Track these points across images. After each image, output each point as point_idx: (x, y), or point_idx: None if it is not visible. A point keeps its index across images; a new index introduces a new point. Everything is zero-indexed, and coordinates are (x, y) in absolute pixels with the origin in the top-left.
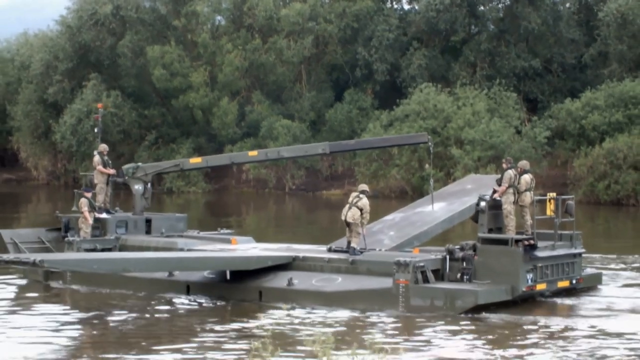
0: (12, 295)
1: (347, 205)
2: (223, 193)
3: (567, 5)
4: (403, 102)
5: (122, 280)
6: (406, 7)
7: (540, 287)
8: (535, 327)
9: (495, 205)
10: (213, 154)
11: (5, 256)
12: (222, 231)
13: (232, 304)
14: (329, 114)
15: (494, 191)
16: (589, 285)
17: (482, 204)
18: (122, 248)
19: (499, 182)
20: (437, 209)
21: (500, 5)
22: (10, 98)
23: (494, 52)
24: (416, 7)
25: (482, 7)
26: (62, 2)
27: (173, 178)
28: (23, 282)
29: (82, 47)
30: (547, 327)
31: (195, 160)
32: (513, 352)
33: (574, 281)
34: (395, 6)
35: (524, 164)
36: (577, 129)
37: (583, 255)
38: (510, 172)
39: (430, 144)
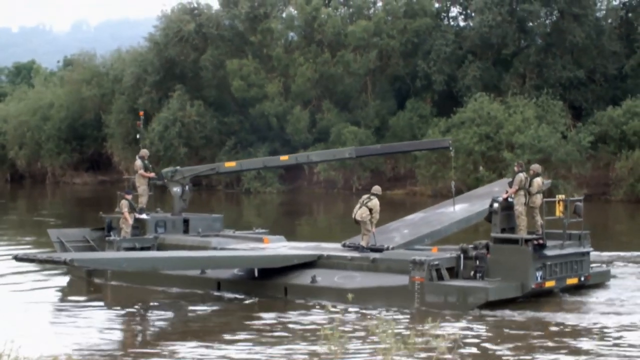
0: (56, 292)
1: (358, 205)
2: (296, 193)
3: (609, 20)
4: (459, 110)
5: (159, 277)
6: (461, 23)
7: (549, 284)
8: (543, 323)
9: (508, 207)
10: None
11: (39, 255)
12: (257, 230)
13: (259, 301)
14: (392, 121)
15: (506, 192)
16: (598, 282)
17: (495, 205)
18: (160, 247)
19: (510, 184)
20: (458, 209)
21: (547, 21)
22: (104, 108)
23: (541, 64)
24: (470, 24)
25: (530, 23)
26: (150, 21)
27: (250, 179)
28: (67, 278)
29: (169, 61)
30: (554, 323)
31: (230, 164)
32: (520, 345)
33: (582, 278)
34: (452, 23)
35: (536, 167)
36: (619, 134)
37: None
38: (521, 175)
39: (451, 148)
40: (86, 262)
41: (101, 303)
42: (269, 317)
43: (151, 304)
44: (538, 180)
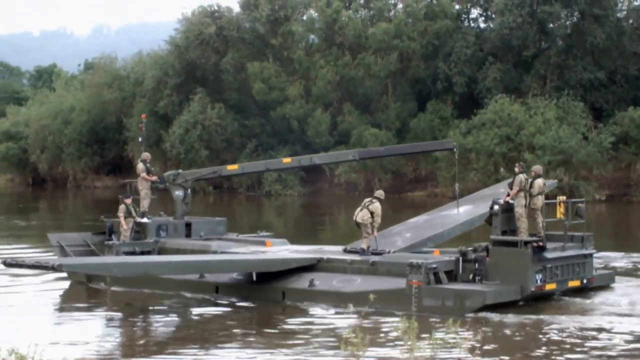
0: (56, 297)
1: (360, 207)
2: (317, 195)
3: (630, 21)
4: (480, 111)
5: (158, 281)
6: (482, 25)
7: (550, 287)
8: (543, 326)
9: (509, 209)
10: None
11: (27, 260)
12: (261, 234)
13: (257, 305)
14: (413, 123)
15: (507, 194)
16: (601, 285)
17: (496, 207)
18: (161, 251)
19: (511, 186)
20: (462, 211)
21: (567, 23)
22: (125, 111)
23: (562, 65)
24: (491, 26)
25: (551, 25)
26: (171, 24)
27: (271, 182)
28: (67, 283)
29: (189, 64)
30: (555, 325)
31: (232, 167)
32: (521, 349)
33: (584, 281)
34: (472, 25)
35: (537, 168)
36: None
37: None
38: (522, 177)
39: (455, 150)
40: (75, 267)
41: (102, 308)
42: (268, 322)
43: (151, 308)
44: (539, 182)
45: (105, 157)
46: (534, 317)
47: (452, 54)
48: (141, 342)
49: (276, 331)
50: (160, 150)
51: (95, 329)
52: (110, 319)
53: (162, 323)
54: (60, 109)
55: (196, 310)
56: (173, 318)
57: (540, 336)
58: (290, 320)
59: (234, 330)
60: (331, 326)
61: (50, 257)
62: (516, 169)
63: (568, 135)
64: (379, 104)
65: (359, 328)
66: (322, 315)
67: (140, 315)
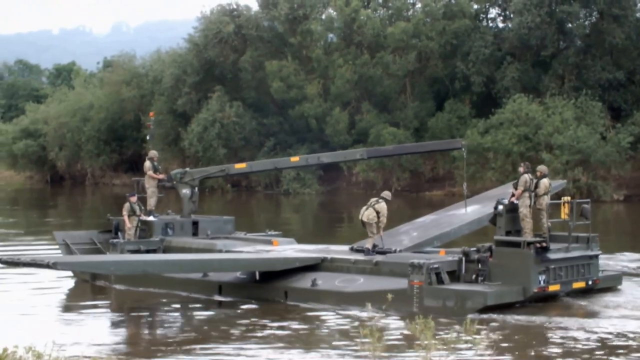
0: (60, 295)
1: (366, 207)
2: (335, 194)
3: None
4: (498, 111)
5: (161, 280)
6: (500, 25)
7: (554, 288)
8: (546, 327)
9: (513, 209)
10: None
11: (23, 258)
12: (269, 232)
13: (260, 305)
14: (431, 122)
15: (512, 195)
16: (608, 286)
17: (500, 207)
18: (166, 249)
19: (515, 186)
20: (470, 211)
21: (586, 22)
22: (144, 109)
23: (580, 65)
24: (509, 25)
25: (569, 25)
26: (190, 23)
27: (289, 180)
28: (72, 282)
29: (208, 63)
30: (558, 327)
31: (240, 166)
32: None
33: (590, 282)
34: (491, 24)
35: (543, 168)
36: None
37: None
38: (526, 177)
39: (463, 150)
40: (71, 266)
41: (106, 307)
42: (273, 322)
43: (155, 307)
44: (545, 182)
45: (123, 154)
46: (546, 318)
47: (470, 53)
48: (147, 341)
49: (279, 331)
50: (178, 148)
51: (101, 327)
52: (114, 318)
53: (166, 322)
54: (79, 107)
55: (199, 310)
56: (177, 317)
57: (556, 338)
58: (292, 320)
59: (237, 330)
60: (334, 326)
61: (47, 255)
62: (520, 169)
63: (586, 135)
64: (397, 103)
65: (373, 328)
66: (325, 314)
67: (145, 314)
